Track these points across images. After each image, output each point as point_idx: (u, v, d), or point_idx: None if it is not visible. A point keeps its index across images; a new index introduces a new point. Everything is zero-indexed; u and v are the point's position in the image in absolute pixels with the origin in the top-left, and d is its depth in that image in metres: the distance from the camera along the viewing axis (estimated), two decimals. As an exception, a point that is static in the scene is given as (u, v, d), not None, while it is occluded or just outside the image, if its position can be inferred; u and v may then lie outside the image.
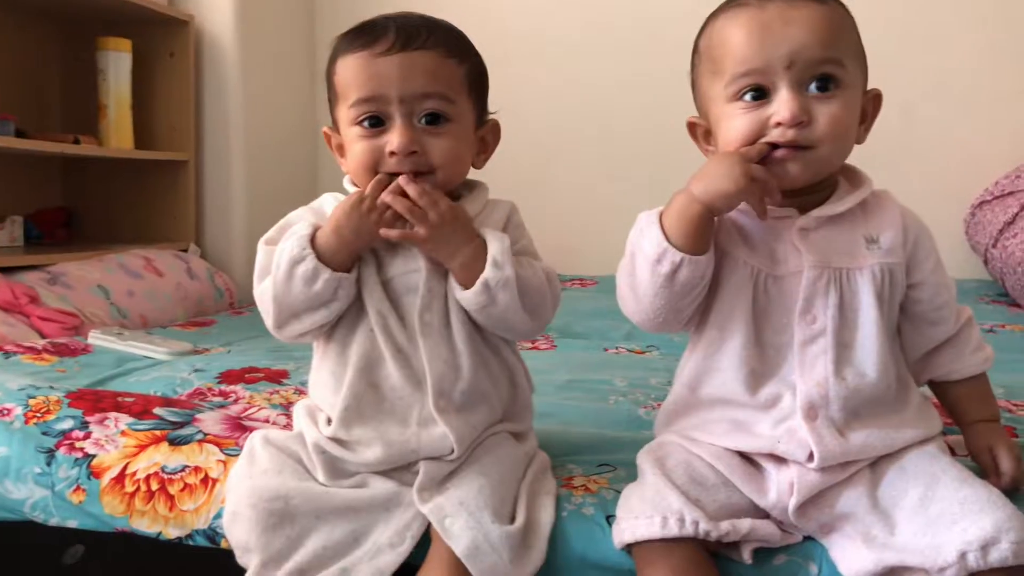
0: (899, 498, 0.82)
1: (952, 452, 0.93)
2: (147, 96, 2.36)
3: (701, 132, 0.96)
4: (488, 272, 0.89)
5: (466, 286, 0.90)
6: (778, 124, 0.84)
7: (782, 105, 0.84)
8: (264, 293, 0.93)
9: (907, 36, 2.42)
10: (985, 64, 2.46)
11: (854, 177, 0.93)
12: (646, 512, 0.81)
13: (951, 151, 2.48)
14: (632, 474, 0.93)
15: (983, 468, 0.91)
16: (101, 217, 2.46)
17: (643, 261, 0.86)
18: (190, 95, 2.39)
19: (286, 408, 1.21)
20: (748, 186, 0.82)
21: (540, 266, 0.96)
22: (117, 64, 2.24)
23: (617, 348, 1.72)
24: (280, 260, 0.90)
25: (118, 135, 2.25)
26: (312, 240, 0.90)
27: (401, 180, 0.89)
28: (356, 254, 0.91)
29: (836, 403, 0.85)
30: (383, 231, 0.89)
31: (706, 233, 0.85)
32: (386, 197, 0.89)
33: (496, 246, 0.90)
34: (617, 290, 0.92)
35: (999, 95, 2.46)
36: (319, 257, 0.89)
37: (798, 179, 0.87)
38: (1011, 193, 2.23)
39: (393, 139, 0.90)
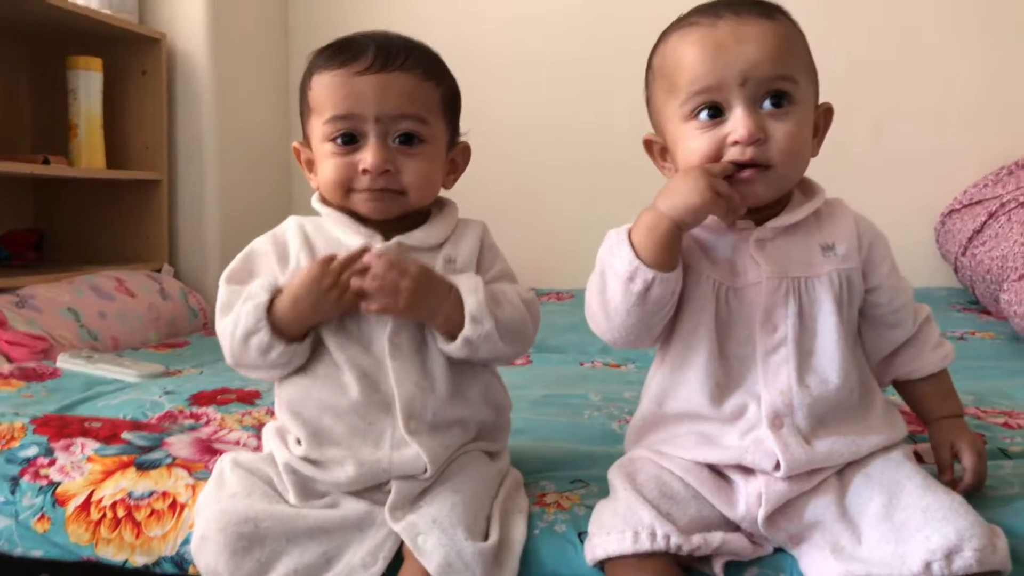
0: (864, 506, 0.82)
1: (920, 460, 0.94)
2: (119, 115, 2.34)
3: (657, 149, 0.96)
4: (468, 330, 0.90)
5: (449, 337, 0.91)
6: (735, 143, 0.85)
7: (738, 123, 0.85)
8: (223, 332, 0.92)
9: (877, 51, 2.46)
10: (953, 77, 2.49)
11: (807, 187, 0.94)
12: (618, 527, 0.81)
13: (921, 162, 2.50)
14: (605, 490, 0.93)
15: (942, 464, 0.92)
16: (73, 238, 2.43)
17: (615, 280, 0.86)
18: (162, 113, 2.38)
19: (258, 430, 1.20)
20: (714, 199, 0.83)
21: (518, 293, 0.96)
22: (88, 83, 2.22)
23: (593, 362, 1.72)
24: (236, 329, 0.90)
25: (89, 155, 2.22)
26: (270, 307, 0.89)
27: (367, 259, 0.88)
28: (313, 326, 0.91)
29: (800, 411, 0.86)
30: (364, 307, 0.88)
31: (675, 249, 0.86)
32: (355, 282, 0.87)
33: (472, 301, 0.90)
34: (587, 309, 0.92)
35: (966, 107, 2.49)
36: (274, 328, 0.88)
37: (762, 198, 0.88)
38: (979, 202, 2.26)
39: (367, 157, 0.90)
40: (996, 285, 2.00)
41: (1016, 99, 2.47)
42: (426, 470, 0.89)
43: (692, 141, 0.88)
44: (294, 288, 0.89)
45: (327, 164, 0.92)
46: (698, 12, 0.89)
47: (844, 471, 0.86)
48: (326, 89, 0.91)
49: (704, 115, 0.87)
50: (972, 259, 2.14)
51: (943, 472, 0.92)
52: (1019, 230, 2.00)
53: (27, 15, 2.10)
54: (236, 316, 0.90)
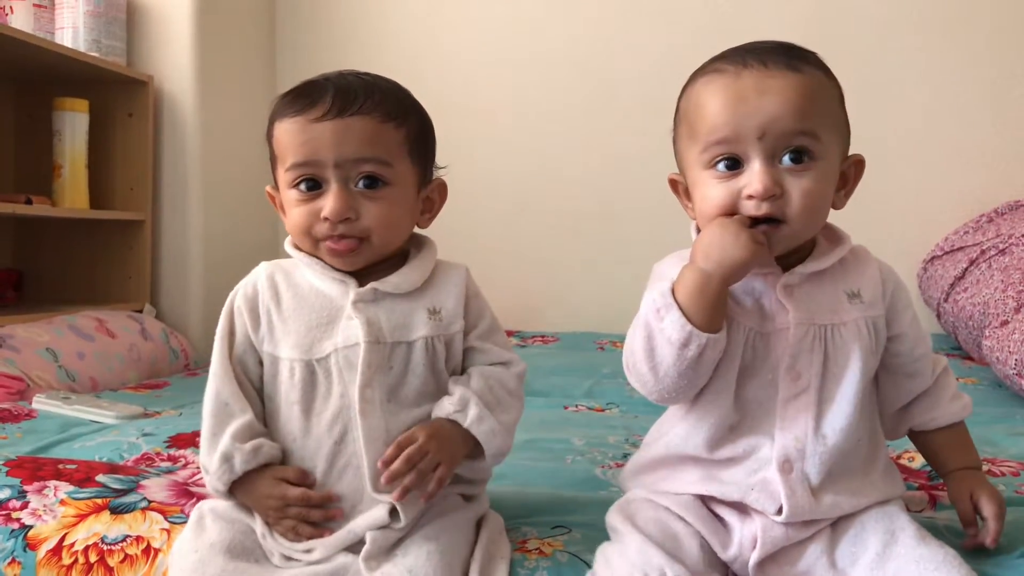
0: (858, 555, 0.82)
1: (908, 509, 0.93)
2: (104, 156, 2.34)
3: (682, 189, 0.95)
4: (489, 461, 0.94)
5: (472, 459, 0.94)
6: (750, 196, 0.84)
7: (754, 178, 0.84)
8: (204, 409, 0.93)
9: (859, 97, 2.48)
10: (935, 123, 2.54)
11: (831, 234, 0.93)
12: (627, 571, 0.80)
13: (903, 208, 2.53)
14: (588, 536, 0.92)
15: (966, 517, 0.90)
16: (54, 278, 2.41)
17: (666, 345, 0.84)
18: (148, 155, 2.38)
19: (236, 473, 1.18)
20: (758, 250, 0.83)
21: (510, 373, 0.97)
22: (73, 124, 2.22)
23: (577, 406, 1.71)
24: (206, 458, 0.91)
25: (73, 195, 2.22)
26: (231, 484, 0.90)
27: (388, 454, 0.87)
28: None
29: (812, 459, 0.85)
30: (423, 499, 0.88)
31: (724, 308, 0.85)
32: (395, 497, 0.86)
33: (483, 435, 0.91)
34: (631, 370, 0.89)
35: (948, 154, 2.53)
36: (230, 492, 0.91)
37: (772, 252, 0.87)
38: (960, 248, 2.28)
39: (327, 204, 0.89)
40: (978, 331, 2.01)
41: (996, 146, 2.51)
42: (400, 520, 0.87)
43: (709, 189, 0.87)
44: (256, 504, 0.90)
45: (293, 213, 0.92)
46: (725, 59, 0.88)
47: (837, 522, 0.85)
48: (287, 136, 0.91)
49: (721, 166, 0.86)
50: (954, 305, 2.16)
51: (968, 525, 0.90)
52: (1000, 277, 2.02)
53: (15, 56, 2.11)
54: (207, 458, 0.91)
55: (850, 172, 0.91)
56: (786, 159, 0.84)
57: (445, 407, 0.91)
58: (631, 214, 2.60)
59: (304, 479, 0.89)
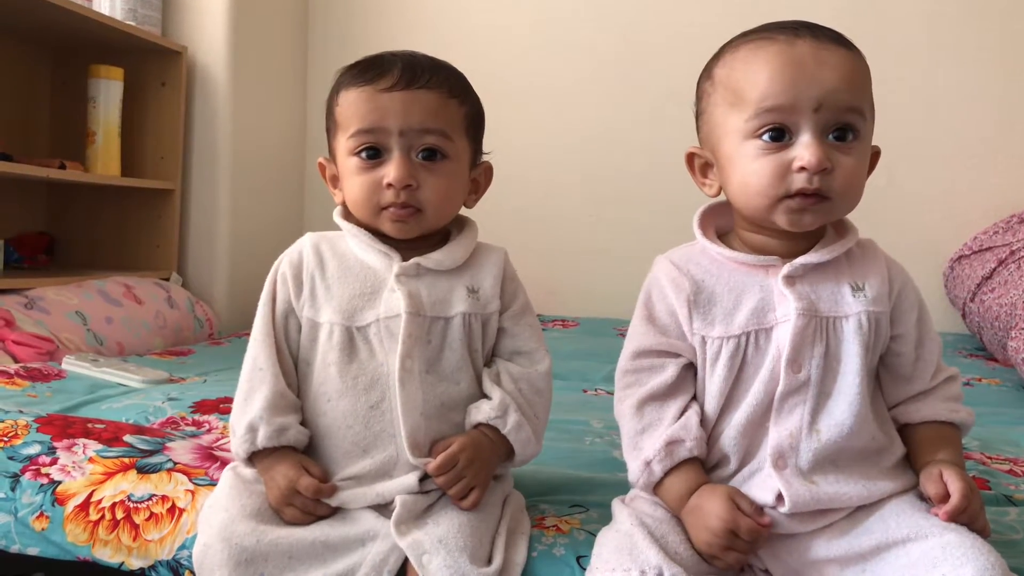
0: (879, 541, 0.79)
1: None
2: (137, 124, 2.37)
3: (699, 165, 0.93)
4: (517, 464, 0.97)
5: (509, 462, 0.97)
6: (802, 169, 0.82)
7: (806, 150, 0.81)
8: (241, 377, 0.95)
9: (890, 94, 2.46)
10: (965, 122, 2.51)
11: (840, 225, 0.92)
12: (623, 564, 0.79)
13: (931, 206, 2.51)
14: (604, 515, 0.92)
15: (935, 495, 0.81)
16: (84, 243, 2.45)
17: (637, 456, 0.88)
18: (179, 125, 2.40)
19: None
20: (715, 559, 0.81)
21: (538, 372, 0.98)
22: (108, 92, 2.24)
23: (596, 390, 1.71)
24: (234, 423, 0.93)
25: (105, 162, 2.24)
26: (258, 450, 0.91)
27: (430, 468, 0.89)
28: None
29: (805, 455, 0.83)
30: (461, 505, 0.89)
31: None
32: (430, 468, 0.89)
33: (522, 453, 0.94)
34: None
35: (977, 153, 2.50)
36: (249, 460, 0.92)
37: (807, 227, 0.86)
38: (989, 248, 2.26)
39: (390, 171, 0.91)
40: (1004, 332, 1.99)
41: (1028, 147, 2.48)
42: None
43: (753, 162, 0.84)
44: (271, 494, 0.90)
45: (353, 182, 0.94)
46: (774, 28, 0.85)
47: (854, 513, 0.83)
48: (352, 105, 0.93)
49: (767, 136, 0.83)
50: (980, 305, 2.14)
51: (940, 501, 0.81)
52: (1028, 278, 1.99)
53: (52, 23, 2.13)
54: (236, 421, 0.93)
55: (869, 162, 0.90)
56: (831, 136, 0.83)
57: (485, 411, 0.92)
58: (652, 201, 2.59)
59: (325, 478, 0.90)
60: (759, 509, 0.81)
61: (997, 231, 2.30)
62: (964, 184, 2.50)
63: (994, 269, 2.15)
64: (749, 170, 0.85)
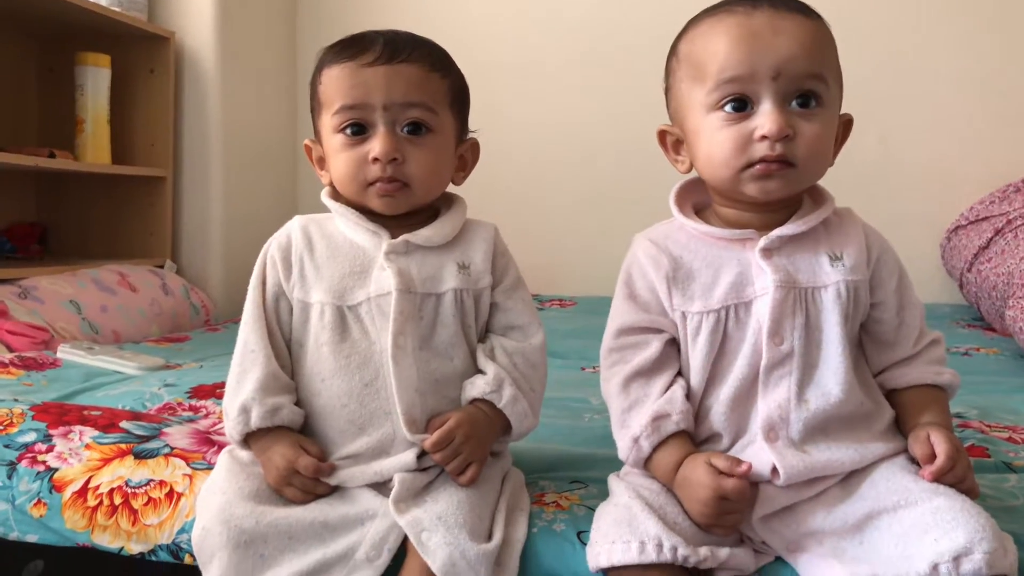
0: (871, 508, 0.80)
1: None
2: (126, 112, 2.35)
3: (671, 142, 0.94)
4: (514, 439, 0.96)
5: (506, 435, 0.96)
6: (763, 138, 0.83)
7: (766, 118, 0.82)
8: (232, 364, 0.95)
9: (886, 64, 2.46)
10: (960, 92, 2.49)
11: (816, 194, 0.92)
12: (623, 537, 0.79)
13: (927, 177, 2.50)
14: (604, 492, 0.92)
15: (921, 456, 0.82)
16: (76, 232, 2.43)
17: (625, 433, 0.88)
18: (169, 111, 2.38)
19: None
20: (709, 526, 0.82)
21: (532, 345, 0.97)
22: (96, 79, 2.22)
23: (594, 367, 1.71)
24: (227, 403, 0.92)
25: (95, 150, 2.23)
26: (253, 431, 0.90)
27: (427, 445, 0.88)
28: None
29: (796, 425, 0.84)
30: (460, 480, 0.89)
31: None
32: (427, 444, 0.88)
33: (518, 426, 0.94)
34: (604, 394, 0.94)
35: (974, 122, 2.49)
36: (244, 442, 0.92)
37: (774, 195, 0.86)
38: (985, 218, 2.25)
39: (376, 146, 0.91)
40: (1001, 302, 1.99)
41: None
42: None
43: (716, 134, 0.85)
44: (268, 475, 0.89)
45: (338, 159, 0.93)
46: (732, 1, 0.86)
47: (847, 479, 0.84)
48: (335, 82, 0.92)
49: (729, 107, 0.84)
50: (978, 275, 2.14)
51: (927, 462, 0.81)
52: (1025, 247, 1.99)
53: (38, 11, 2.11)
54: (229, 403, 0.91)
55: (840, 131, 0.90)
56: (794, 103, 0.83)
57: (479, 386, 0.92)
58: (650, 179, 2.56)
59: (323, 457, 0.90)
60: (735, 461, 0.81)
61: (993, 201, 2.29)
62: (959, 154, 2.49)
63: (991, 239, 2.14)
64: (713, 142, 0.85)
